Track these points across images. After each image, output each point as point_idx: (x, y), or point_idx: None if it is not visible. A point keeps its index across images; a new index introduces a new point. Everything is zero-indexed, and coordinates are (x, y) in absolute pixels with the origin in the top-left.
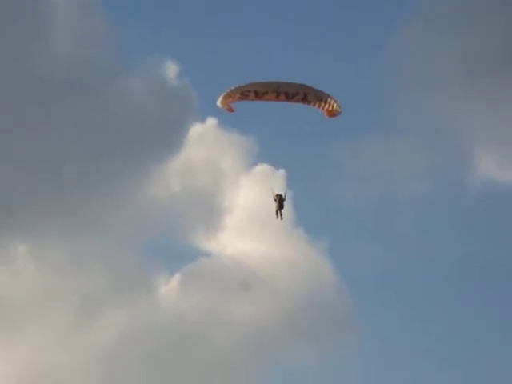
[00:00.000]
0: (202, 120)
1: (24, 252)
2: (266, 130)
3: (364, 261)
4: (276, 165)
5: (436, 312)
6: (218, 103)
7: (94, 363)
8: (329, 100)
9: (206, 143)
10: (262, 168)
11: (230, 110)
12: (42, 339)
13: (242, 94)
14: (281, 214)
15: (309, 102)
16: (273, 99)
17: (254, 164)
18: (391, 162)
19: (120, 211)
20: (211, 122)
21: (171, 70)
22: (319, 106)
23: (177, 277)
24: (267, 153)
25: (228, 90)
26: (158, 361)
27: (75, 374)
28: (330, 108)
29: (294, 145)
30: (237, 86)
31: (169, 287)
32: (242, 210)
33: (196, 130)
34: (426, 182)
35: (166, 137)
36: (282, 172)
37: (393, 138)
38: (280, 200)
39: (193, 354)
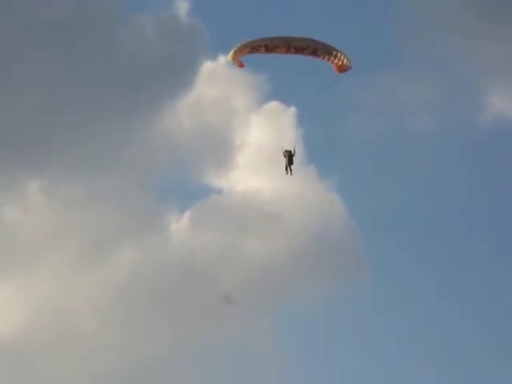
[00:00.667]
0: (213, 58)
1: (36, 189)
2: (276, 68)
3: (374, 198)
4: (286, 102)
5: (446, 250)
6: (229, 58)
7: (105, 300)
8: (339, 55)
9: (217, 81)
10: (273, 105)
11: (241, 65)
12: (53, 276)
13: (253, 47)
14: (290, 170)
15: (319, 56)
16: (283, 52)
17: (265, 101)
18: (403, 96)
19: (132, 148)
20: (222, 59)
21: (182, 7)
22: (329, 60)
23: (188, 214)
24: (278, 90)
25: (238, 45)
26: (169, 298)
27: (86, 310)
28: (340, 63)
29: (305, 82)
30: (247, 40)
31: (179, 225)
32: (252, 148)
33: (207, 67)
34: (438, 117)
35: (177, 74)
36: (292, 109)
37: (404, 72)
38: (290, 156)
39: (203, 291)
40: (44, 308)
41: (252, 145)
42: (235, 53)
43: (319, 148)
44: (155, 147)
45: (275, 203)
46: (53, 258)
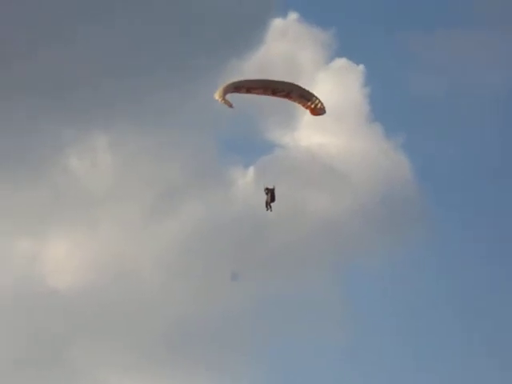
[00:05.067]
0: (284, 15)
1: (103, 143)
2: (346, 24)
3: (440, 156)
4: (355, 60)
5: None
6: (217, 97)
7: (169, 253)
8: (313, 99)
9: (286, 38)
10: (341, 62)
11: (230, 105)
12: (118, 229)
13: (236, 88)
14: (270, 207)
15: (291, 98)
16: (261, 93)
17: (332, 59)
18: (470, 54)
19: (199, 103)
20: (292, 16)
21: None
22: (300, 103)
23: (252, 169)
24: (346, 47)
25: (224, 86)
26: (234, 252)
27: (150, 263)
28: (313, 106)
29: (373, 40)
30: (229, 82)
31: (244, 179)
32: None
33: (277, 24)
34: (503, 73)
35: (246, 32)
36: (360, 67)
37: (472, 30)
38: (272, 193)
39: (268, 245)
40: (108, 260)
41: None
42: (221, 93)
43: (385, 106)
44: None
45: (340, 160)
46: (118, 211)
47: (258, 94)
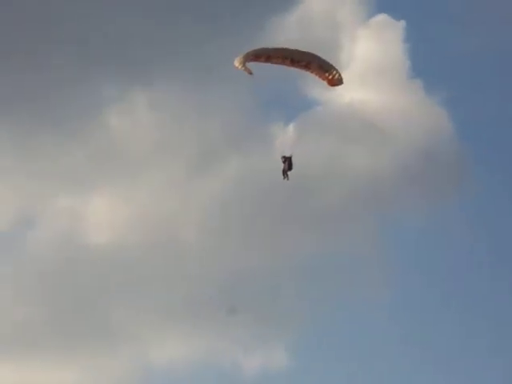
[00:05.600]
0: None
1: (144, 102)
2: None
3: (482, 114)
4: (395, 15)
5: None
6: (237, 64)
7: (210, 211)
8: (331, 70)
9: None
10: (381, 18)
11: (250, 72)
12: (160, 186)
13: (256, 56)
14: (287, 176)
15: (310, 70)
16: (280, 63)
17: (373, 14)
18: None
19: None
20: None
21: None
22: (317, 74)
23: (293, 126)
24: (386, 3)
25: (244, 53)
26: (272, 210)
27: (191, 219)
28: (331, 77)
29: None
30: (250, 50)
31: (285, 136)
32: (359, 61)
33: None
34: None
35: None
36: (401, 23)
37: None
38: (289, 161)
39: (308, 203)
40: (149, 217)
41: (358, 58)
42: (241, 60)
43: (425, 62)
44: None
45: (381, 116)
46: (159, 169)
47: (277, 63)
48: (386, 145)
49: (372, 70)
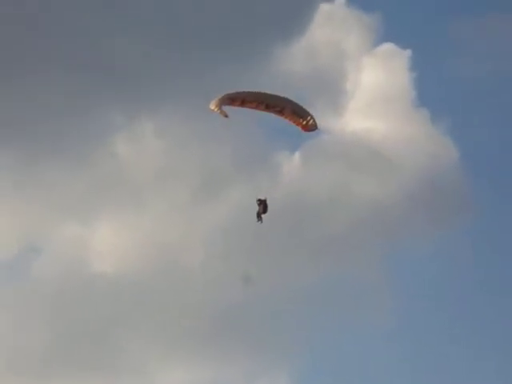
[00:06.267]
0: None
1: (150, 129)
2: (392, 8)
3: (487, 141)
4: (401, 44)
5: None
6: (212, 107)
7: (215, 238)
8: (305, 116)
9: (332, 23)
10: (387, 47)
11: (225, 115)
12: (166, 212)
13: (231, 99)
14: (261, 219)
15: (284, 115)
16: (253, 107)
17: (379, 43)
18: None
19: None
20: (340, 0)
21: None
22: (294, 121)
23: (298, 154)
24: (393, 32)
25: (219, 96)
26: (279, 237)
27: (195, 246)
28: (304, 123)
29: (420, 24)
30: (225, 94)
31: (290, 164)
32: (365, 90)
33: (324, 9)
34: None
35: (293, 16)
36: (407, 52)
37: None
38: (264, 204)
39: (314, 230)
40: (154, 244)
41: (364, 87)
42: (217, 104)
43: (431, 91)
44: (266, 88)
45: (387, 145)
46: (165, 196)
47: (251, 107)
48: (391, 173)
49: (378, 98)
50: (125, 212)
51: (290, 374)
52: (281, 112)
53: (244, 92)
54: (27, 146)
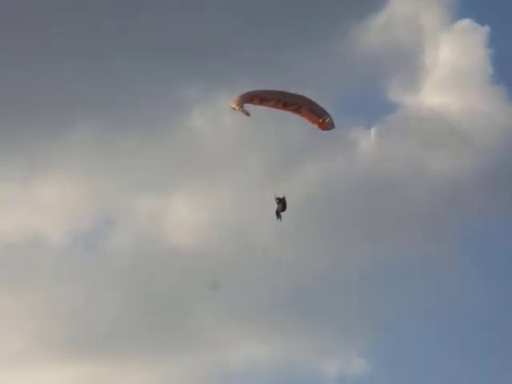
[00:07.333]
0: None
1: (227, 102)
2: None
3: None
4: (479, 20)
5: None
6: (234, 106)
7: (290, 214)
8: (323, 115)
9: None
10: (465, 23)
11: (247, 113)
12: (240, 189)
13: (251, 98)
14: (280, 216)
15: (301, 114)
16: (272, 105)
17: (456, 19)
18: None
19: (321, 63)
20: None
21: None
22: (311, 119)
23: (374, 129)
24: (471, 8)
25: (239, 95)
26: (354, 214)
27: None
28: (321, 121)
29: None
30: (245, 92)
31: (366, 140)
32: (442, 66)
33: None
34: None
35: None
36: (485, 29)
37: None
38: (284, 203)
39: (389, 207)
40: (229, 218)
41: (441, 63)
42: (238, 102)
43: (508, 68)
44: (344, 63)
45: (463, 120)
46: (240, 171)
47: (269, 106)
48: (467, 149)
49: (454, 74)
50: (200, 186)
51: (361, 353)
52: (298, 110)
53: (263, 91)
54: (105, 120)
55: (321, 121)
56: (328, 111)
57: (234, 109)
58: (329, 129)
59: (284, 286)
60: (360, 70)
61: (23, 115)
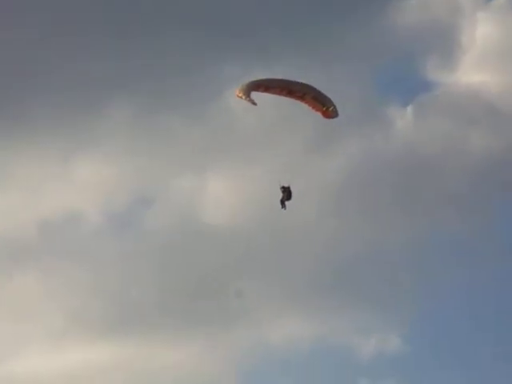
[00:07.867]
0: None
1: None
2: None
3: None
4: None
5: None
6: (239, 95)
7: (326, 192)
8: (326, 103)
9: None
10: (502, 2)
11: (253, 103)
12: (276, 168)
13: (256, 86)
14: (285, 205)
15: (305, 101)
16: (277, 93)
17: None
18: None
19: (359, 40)
20: None
21: None
22: (315, 107)
23: (411, 107)
24: None
25: (245, 84)
26: (391, 193)
27: (306, 201)
28: (325, 109)
29: None
30: (250, 81)
31: (403, 118)
32: (479, 44)
33: None
34: None
35: None
36: None
37: None
38: (288, 192)
39: (427, 186)
40: (265, 197)
41: (478, 41)
42: (244, 91)
43: None
44: (383, 42)
45: (500, 99)
46: (276, 150)
47: (275, 93)
48: (505, 126)
49: (491, 52)
50: (238, 165)
51: (401, 333)
52: (302, 98)
53: (268, 79)
54: (143, 102)
55: (324, 109)
56: (365, 90)
57: (241, 98)
58: (332, 117)
59: (323, 264)
60: (398, 48)
61: (63, 93)
